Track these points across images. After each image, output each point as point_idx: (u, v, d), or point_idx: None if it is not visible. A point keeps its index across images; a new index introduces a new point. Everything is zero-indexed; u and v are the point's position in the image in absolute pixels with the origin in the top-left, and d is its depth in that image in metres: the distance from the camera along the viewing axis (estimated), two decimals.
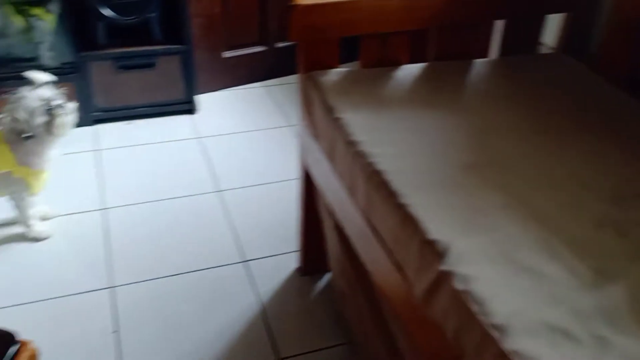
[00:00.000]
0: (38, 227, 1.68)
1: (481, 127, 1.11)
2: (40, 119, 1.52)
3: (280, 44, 2.53)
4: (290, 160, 2.05)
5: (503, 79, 1.28)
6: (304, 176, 1.39)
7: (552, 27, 1.43)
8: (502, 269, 0.81)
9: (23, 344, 0.60)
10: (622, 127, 1.11)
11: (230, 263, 1.63)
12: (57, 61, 2.05)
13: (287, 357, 1.38)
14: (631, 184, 0.97)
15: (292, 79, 2.59)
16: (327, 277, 1.59)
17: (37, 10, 1.95)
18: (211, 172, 2.00)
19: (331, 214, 1.25)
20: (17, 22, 1.95)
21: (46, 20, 1.97)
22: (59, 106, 1.55)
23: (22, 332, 0.69)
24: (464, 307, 0.78)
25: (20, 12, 1.93)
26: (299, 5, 1.15)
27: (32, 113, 1.52)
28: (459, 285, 0.79)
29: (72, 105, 1.60)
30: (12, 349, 0.58)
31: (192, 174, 1.99)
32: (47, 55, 2.04)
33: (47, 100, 1.54)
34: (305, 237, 1.50)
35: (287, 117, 2.33)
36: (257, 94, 2.49)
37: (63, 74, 2.05)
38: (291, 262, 1.63)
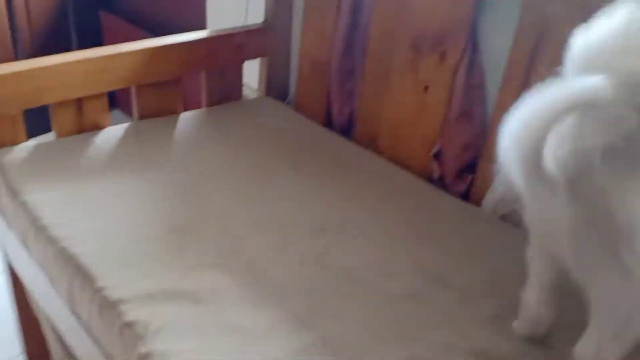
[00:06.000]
0: None
1: (192, 183, 1.07)
2: None
3: None
4: None
5: (212, 128, 1.27)
6: (9, 271, 1.19)
7: (256, 73, 1.49)
8: (203, 334, 0.76)
9: None
10: (321, 160, 1.18)
11: None
12: None
13: None
14: (331, 214, 1.02)
15: None
16: None
17: None
18: None
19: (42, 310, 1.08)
20: None
21: None
22: None
23: None
24: None
25: None
26: None
27: None
28: None
29: None
30: None
31: None
32: None
33: None
34: (27, 340, 1.28)
35: None
36: None
37: None
38: None
